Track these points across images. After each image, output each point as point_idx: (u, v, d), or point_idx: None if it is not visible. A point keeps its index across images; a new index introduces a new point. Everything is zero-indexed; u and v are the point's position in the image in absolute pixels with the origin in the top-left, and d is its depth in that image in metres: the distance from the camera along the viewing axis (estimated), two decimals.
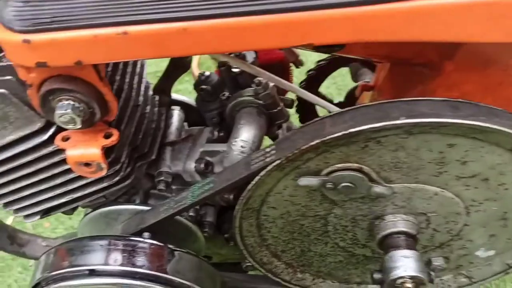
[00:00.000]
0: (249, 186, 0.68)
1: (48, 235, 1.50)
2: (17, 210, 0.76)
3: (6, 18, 0.51)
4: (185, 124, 0.85)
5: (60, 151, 0.66)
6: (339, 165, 0.66)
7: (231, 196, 0.78)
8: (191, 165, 0.76)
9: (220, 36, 0.50)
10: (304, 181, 0.67)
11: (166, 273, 0.71)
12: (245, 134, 0.73)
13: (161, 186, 0.76)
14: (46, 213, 0.77)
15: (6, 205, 0.75)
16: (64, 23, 0.50)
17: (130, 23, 0.50)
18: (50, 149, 0.66)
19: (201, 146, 0.77)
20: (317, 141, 0.61)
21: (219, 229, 0.89)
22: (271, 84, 0.72)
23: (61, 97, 0.58)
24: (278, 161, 0.64)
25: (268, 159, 0.65)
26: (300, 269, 0.87)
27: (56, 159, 0.67)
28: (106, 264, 0.69)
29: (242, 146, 0.73)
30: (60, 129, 0.65)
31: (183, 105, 0.87)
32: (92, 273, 0.69)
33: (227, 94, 0.79)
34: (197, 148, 0.77)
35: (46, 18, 0.51)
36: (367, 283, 0.89)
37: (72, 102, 0.58)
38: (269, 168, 0.65)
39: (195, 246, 0.85)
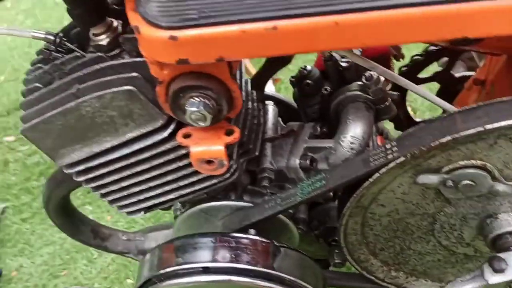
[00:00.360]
0: (366, 184, 0.67)
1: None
2: (122, 207, 0.76)
3: (151, 14, 0.50)
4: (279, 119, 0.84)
5: (178, 148, 0.65)
6: (462, 162, 0.64)
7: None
8: (295, 161, 0.75)
9: (372, 30, 0.49)
10: (424, 179, 0.66)
11: (275, 270, 0.71)
12: (354, 130, 0.71)
13: (265, 183, 0.75)
14: (148, 209, 0.77)
15: (113, 201, 0.75)
16: (212, 19, 0.49)
17: (280, 18, 0.49)
18: (168, 146, 0.65)
19: (304, 142, 0.76)
20: (449, 138, 0.59)
21: (309, 225, 0.88)
22: (382, 78, 0.71)
23: (192, 94, 0.57)
24: (402, 159, 0.62)
25: (390, 156, 0.64)
26: (395, 267, 0.86)
27: (172, 156, 0.67)
28: (218, 261, 0.69)
29: (351, 143, 0.71)
30: (179, 126, 0.64)
31: (273, 99, 0.86)
32: (206, 270, 0.69)
33: (329, 88, 0.78)
34: (300, 144, 0.76)
35: (194, 14, 0.50)
36: None
37: (203, 99, 0.57)
38: (390, 165, 0.64)
39: (290, 243, 0.84)
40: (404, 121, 0.90)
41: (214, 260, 0.69)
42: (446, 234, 0.77)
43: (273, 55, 0.65)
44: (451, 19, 0.48)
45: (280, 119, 0.83)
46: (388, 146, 0.65)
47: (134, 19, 0.52)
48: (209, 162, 0.63)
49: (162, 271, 0.71)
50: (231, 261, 0.69)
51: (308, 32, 0.49)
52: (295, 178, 0.76)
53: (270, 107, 0.83)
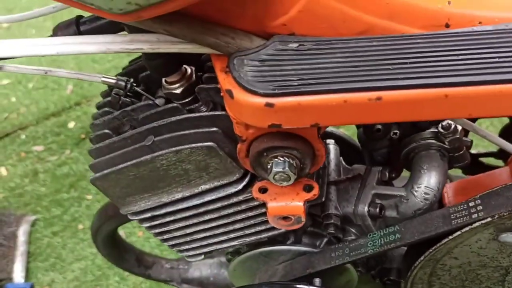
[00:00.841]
0: (445, 240, 0.64)
1: (142, 243, 1.50)
2: (182, 251, 0.74)
3: (245, 79, 0.48)
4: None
5: (250, 200, 0.63)
6: None
7: None
8: (364, 208, 0.72)
9: (478, 103, 0.46)
10: (507, 238, 0.63)
11: None
12: (429, 180, 0.69)
13: (331, 230, 0.73)
14: (209, 253, 0.75)
15: (174, 246, 0.73)
16: (312, 87, 0.47)
17: (385, 88, 0.46)
18: (240, 198, 0.63)
19: (372, 188, 0.73)
20: None
21: (367, 265, 0.86)
22: (459, 127, 0.68)
23: (277, 154, 0.54)
24: (488, 219, 0.60)
25: (474, 216, 0.61)
26: None
27: (243, 207, 0.65)
28: None
29: (425, 193, 0.69)
30: (252, 177, 0.62)
31: (334, 137, 0.84)
32: None
33: (398, 132, 0.75)
34: (368, 190, 0.73)
35: (293, 81, 0.47)
36: None
37: (288, 159, 0.54)
38: (475, 225, 0.61)
39: (347, 284, 0.82)
40: (471, 165, 0.87)
41: None
42: None
43: (371, 122, 0.63)
44: None
45: (342, 159, 0.80)
46: (471, 204, 0.62)
47: (226, 82, 0.49)
48: (285, 218, 0.61)
49: None
50: None
51: (414, 104, 0.47)
52: (362, 225, 0.74)
53: (332, 146, 0.81)
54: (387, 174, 0.75)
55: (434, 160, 0.69)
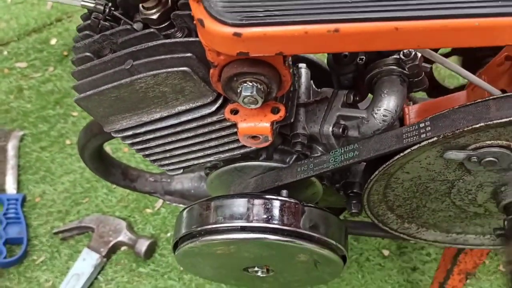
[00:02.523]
0: (396, 157, 0.72)
1: (128, 159, 1.58)
2: (163, 165, 0.81)
3: (215, 9, 0.52)
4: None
5: (223, 120, 0.69)
6: (489, 142, 0.69)
7: None
8: (329, 128, 0.79)
9: (425, 35, 0.51)
10: (451, 155, 0.71)
11: (305, 229, 0.78)
12: (388, 104, 0.75)
13: (298, 148, 0.80)
14: (187, 167, 0.82)
15: (155, 161, 0.79)
16: (277, 18, 0.51)
17: (342, 21, 0.51)
18: (214, 118, 0.69)
19: (337, 110, 0.79)
20: (482, 124, 0.64)
21: (332, 179, 0.94)
22: (419, 54, 0.73)
23: (246, 79, 0.60)
24: (434, 139, 0.67)
25: (423, 135, 0.68)
26: (408, 220, 0.94)
27: (217, 126, 0.71)
28: (254, 221, 0.76)
29: (384, 115, 0.75)
30: (225, 100, 0.68)
31: (306, 61, 0.88)
32: (243, 229, 0.76)
33: (364, 58, 0.80)
34: (333, 112, 0.79)
35: (259, 12, 0.51)
36: (466, 233, 0.96)
37: (256, 84, 0.60)
38: (422, 144, 0.68)
39: (313, 196, 0.91)
40: (433, 88, 0.93)
41: (250, 220, 0.76)
42: (461, 197, 0.83)
43: (330, 51, 0.67)
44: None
45: (312, 82, 0.85)
46: (422, 125, 0.69)
47: (198, 11, 0.53)
48: (254, 137, 0.67)
49: (202, 227, 0.78)
50: (266, 221, 0.76)
51: (368, 35, 0.51)
52: (326, 144, 0.81)
53: (303, 70, 0.85)
54: (352, 97, 0.81)
55: (395, 85, 0.75)
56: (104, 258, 1.39)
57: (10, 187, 1.52)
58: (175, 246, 0.83)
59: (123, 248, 1.43)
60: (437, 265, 1.35)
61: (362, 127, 0.78)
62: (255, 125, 0.65)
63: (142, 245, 1.37)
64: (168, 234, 1.45)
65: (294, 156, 0.86)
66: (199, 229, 0.78)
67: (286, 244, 0.76)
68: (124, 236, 1.40)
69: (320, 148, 0.84)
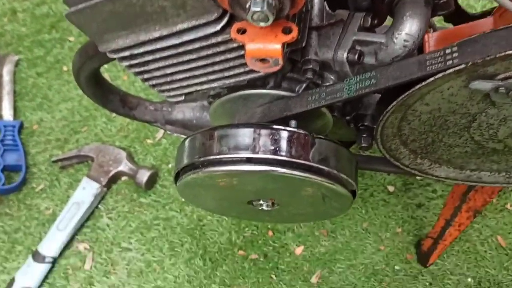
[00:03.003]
0: (418, 86, 0.66)
1: (127, 87, 1.52)
2: (163, 91, 0.75)
3: None
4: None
5: (229, 41, 0.63)
6: None
7: None
8: (343, 54, 0.72)
9: None
10: (478, 85, 0.65)
11: (314, 161, 0.73)
12: (410, 27, 0.68)
13: (309, 75, 0.74)
14: (189, 94, 0.76)
15: (155, 86, 0.74)
16: None
17: None
18: (219, 39, 0.63)
19: (353, 34, 0.72)
20: None
21: (343, 111, 0.89)
22: None
23: None
24: (462, 66, 0.61)
25: (449, 62, 0.62)
26: (422, 156, 0.89)
27: (222, 48, 0.64)
28: (261, 152, 0.71)
29: (405, 40, 0.68)
30: (231, 19, 0.61)
31: None
32: (250, 160, 0.71)
33: None
34: (349, 36, 0.72)
35: None
36: (481, 170, 0.92)
37: None
38: (448, 72, 0.62)
39: (322, 128, 0.86)
40: (455, 15, 0.85)
41: (257, 151, 0.71)
42: (481, 131, 0.78)
43: None
44: None
45: (326, 4, 0.78)
46: (448, 51, 0.63)
47: None
48: (263, 60, 0.61)
49: (206, 158, 0.73)
50: (274, 153, 0.71)
51: None
52: (339, 72, 0.75)
53: None
54: (369, 20, 0.73)
55: (418, 7, 0.68)
56: (104, 188, 1.37)
57: (7, 113, 1.47)
58: (177, 177, 0.79)
59: (123, 178, 1.41)
60: (443, 202, 1.33)
61: (380, 53, 0.71)
62: (265, 46, 0.59)
63: (143, 176, 1.35)
64: (170, 165, 1.42)
65: (304, 85, 0.80)
66: (202, 159, 0.73)
67: (294, 177, 0.72)
68: (125, 166, 1.37)
69: (332, 77, 0.78)
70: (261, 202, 0.82)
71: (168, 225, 1.34)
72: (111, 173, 1.37)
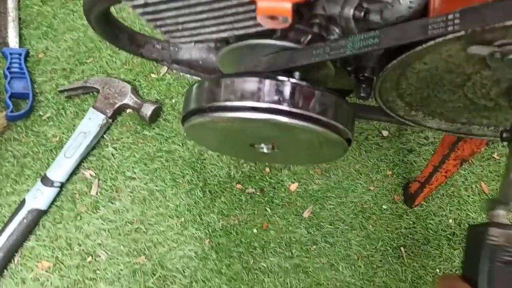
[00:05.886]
0: (418, 48, 0.69)
1: (132, 20, 1.53)
2: (174, 37, 0.78)
3: None
4: None
5: None
6: None
7: None
8: (350, 10, 0.75)
9: None
10: (475, 50, 0.68)
11: (316, 113, 0.78)
12: None
13: (315, 29, 0.76)
14: (199, 41, 0.79)
15: (166, 32, 0.76)
16: None
17: None
18: None
19: None
20: None
21: (344, 61, 0.92)
22: None
23: None
24: (462, 33, 0.64)
25: (450, 28, 0.65)
26: (416, 108, 0.94)
27: (234, 2, 0.67)
28: (267, 102, 0.75)
29: (411, 2, 0.71)
30: None
31: None
32: (255, 109, 0.76)
33: None
34: None
35: None
36: (471, 123, 0.97)
37: None
38: (448, 37, 0.65)
39: (324, 77, 0.90)
40: None
41: (262, 100, 0.75)
42: (474, 90, 0.83)
43: None
44: None
45: None
46: (450, 17, 0.65)
47: None
48: (273, 17, 0.64)
49: (213, 104, 0.78)
50: (278, 103, 0.75)
51: None
52: (344, 26, 0.77)
53: None
54: None
55: None
56: (110, 119, 1.42)
57: (12, 40, 1.49)
58: (184, 119, 0.84)
59: (128, 111, 1.45)
60: (434, 148, 1.39)
61: (385, 12, 0.74)
62: (276, 5, 0.62)
63: (148, 109, 1.39)
64: (173, 100, 1.46)
65: (310, 36, 0.83)
66: (209, 105, 0.78)
67: (295, 126, 0.77)
68: (130, 99, 1.41)
69: (337, 30, 0.81)
70: (262, 145, 0.87)
71: (171, 158, 1.41)
72: (116, 106, 1.41)
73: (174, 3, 0.68)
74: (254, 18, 0.70)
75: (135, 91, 1.44)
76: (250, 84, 0.76)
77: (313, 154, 0.92)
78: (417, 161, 1.40)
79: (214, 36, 0.76)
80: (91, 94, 1.46)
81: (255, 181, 1.39)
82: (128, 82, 1.45)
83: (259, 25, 0.72)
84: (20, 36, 1.51)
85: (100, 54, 1.50)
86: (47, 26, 1.53)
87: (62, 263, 1.32)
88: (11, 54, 1.45)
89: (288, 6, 0.62)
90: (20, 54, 1.46)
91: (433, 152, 1.39)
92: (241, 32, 0.74)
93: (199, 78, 1.13)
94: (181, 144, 1.42)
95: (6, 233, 1.30)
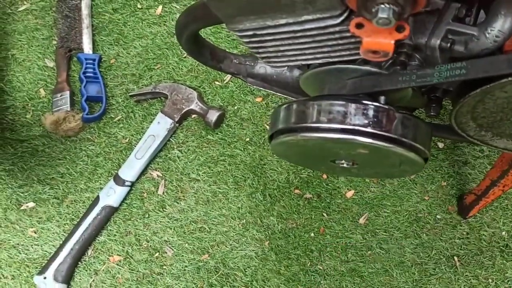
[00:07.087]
0: (503, 81, 0.75)
1: None
2: (270, 62, 0.85)
3: None
4: None
5: (344, 31, 0.71)
6: None
7: None
8: (436, 41, 0.80)
9: None
10: None
11: (398, 135, 0.84)
12: (503, 25, 0.75)
13: (402, 58, 0.82)
14: (293, 65, 0.86)
15: (265, 58, 0.83)
16: None
17: None
18: (336, 29, 0.71)
19: (447, 23, 0.80)
20: None
21: None
22: None
23: (383, 1, 0.61)
24: None
25: None
26: (486, 129, 0.99)
27: (336, 36, 0.73)
28: (356, 125, 0.82)
29: (497, 36, 0.76)
30: (350, 13, 0.69)
31: None
32: (344, 130, 0.82)
33: None
34: (443, 25, 0.79)
35: None
36: None
37: (393, 6, 0.61)
38: None
39: (401, 98, 0.96)
40: None
41: (351, 123, 0.82)
42: None
43: None
44: None
45: None
46: None
47: None
48: (374, 52, 0.70)
49: (303, 125, 0.85)
50: (365, 126, 0.82)
51: None
52: (430, 56, 0.83)
53: None
54: (464, 12, 0.80)
55: None
56: (177, 124, 1.50)
57: (87, 47, 1.58)
58: (271, 137, 0.91)
59: (193, 116, 1.53)
60: (489, 161, 1.44)
61: (470, 44, 0.79)
62: (380, 41, 0.68)
63: (213, 115, 1.47)
64: (235, 107, 1.54)
65: (390, 61, 0.89)
66: (299, 125, 0.85)
67: (378, 146, 0.83)
68: (196, 105, 1.49)
69: (419, 57, 0.87)
70: (342, 161, 0.94)
71: (233, 162, 1.48)
72: (183, 111, 1.49)
73: (281, 35, 0.75)
74: (351, 49, 0.76)
75: (201, 97, 1.52)
76: (340, 107, 0.82)
77: (390, 170, 0.98)
78: (471, 173, 1.44)
79: (310, 62, 0.83)
80: (159, 99, 1.55)
81: (312, 186, 1.46)
82: (195, 89, 1.53)
83: (354, 54, 0.78)
84: (93, 42, 1.59)
85: (167, 61, 1.58)
86: (118, 33, 1.61)
87: (131, 257, 1.41)
88: (86, 59, 1.54)
89: (392, 42, 0.68)
90: (94, 60, 1.55)
91: (488, 165, 1.43)
92: (336, 59, 0.81)
93: (271, 91, 1.19)
94: (242, 149, 1.50)
95: (82, 228, 1.40)
